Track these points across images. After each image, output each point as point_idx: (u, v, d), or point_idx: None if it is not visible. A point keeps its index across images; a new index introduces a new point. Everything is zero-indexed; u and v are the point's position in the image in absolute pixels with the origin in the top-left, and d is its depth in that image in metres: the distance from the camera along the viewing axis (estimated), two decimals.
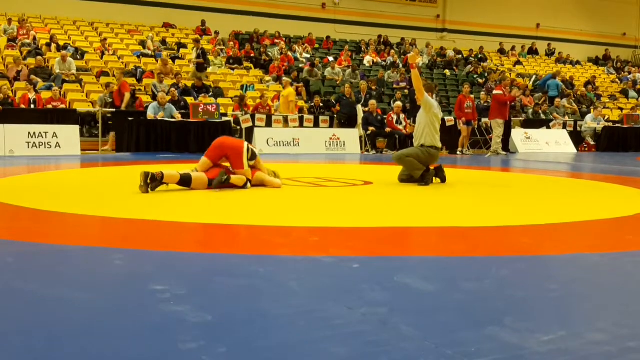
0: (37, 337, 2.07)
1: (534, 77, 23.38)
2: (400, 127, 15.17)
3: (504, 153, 15.03)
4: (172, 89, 14.78)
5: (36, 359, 1.90)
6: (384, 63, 22.20)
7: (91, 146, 13.40)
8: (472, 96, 16.32)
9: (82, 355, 1.94)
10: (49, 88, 14.59)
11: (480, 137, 16.52)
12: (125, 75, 16.79)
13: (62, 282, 2.83)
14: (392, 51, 23.35)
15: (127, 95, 13.66)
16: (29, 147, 11.96)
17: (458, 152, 15.00)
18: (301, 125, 15.22)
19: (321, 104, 16.73)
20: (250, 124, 14.39)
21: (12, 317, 2.30)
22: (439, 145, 7.53)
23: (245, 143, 6.64)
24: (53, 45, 17.64)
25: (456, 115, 15.09)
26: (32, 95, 13.79)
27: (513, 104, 16.32)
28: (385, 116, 15.47)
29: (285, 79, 16.61)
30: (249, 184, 6.46)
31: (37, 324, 2.21)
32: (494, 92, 15.15)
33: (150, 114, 13.10)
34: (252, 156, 6.51)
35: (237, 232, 4.22)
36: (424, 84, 7.52)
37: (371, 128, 15.07)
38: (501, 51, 27.47)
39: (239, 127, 14.44)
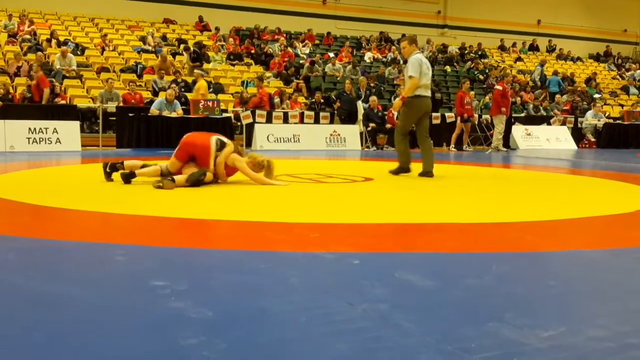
0: (37, 334, 2.07)
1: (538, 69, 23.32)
2: None
3: (505, 149, 15.02)
4: (173, 85, 14.78)
5: (37, 355, 1.90)
6: (384, 59, 22.18)
7: (92, 142, 13.41)
8: (472, 93, 16.29)
9: (83, 351, 1.94)
10: None
11: (480, 133, 16.51)
12: (126, 71, 16.79)
13: (63, 278, 2.83)
14: (393, 47, 23.32)
15: (47, 91, 13.51)
16: (29, 143, 11.97)
17: (452, 148, 14.95)
18: (301, 122, 15.22)
19: (322, 100, 16.72)
20: (251, 120, 14.39)
21: (13, 314, 2.30)
22: (423, 93, 7.71)
23: (213, 138, 6.28)
24: (53, 41, 17.64)
25: (457, 112, 15.08)
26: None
27: (513, 99, 16.34)
28: (385, 112, 15.46)
29: (196, 71, 15.97)
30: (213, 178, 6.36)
31: (37, 321, 2.21)
32: (496, 87, 15.13)
33: (155, 110, 13.08)
34: (221, 146, 6.25)
35: (237, 228, 4.22)
36: (408, 39, 7.86)
37: (372, 124, 15.06)
38: (502, 47, 27.44)
39: (239, 123, 14.44)
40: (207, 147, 6.21)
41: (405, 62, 8.01)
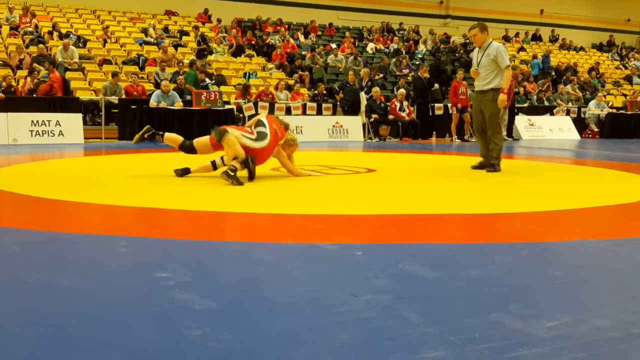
0: (42, 326, 2.07)
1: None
2: (403, 114, 15.13)
3: (509, 139, 15.00)
4: (180, 77, 14.74)
5: (41, 348, 1.90)
6: (387, 50, 22.11)
7: (94, 134, 13.41)
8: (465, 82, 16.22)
9: (87, 343, 1.94)
10: None
11: None
12: (128, 64, 16.76)
13: (67, 271, 2.84)
14: (395, 38, 23.24)
15: None
16: (32, 136, 11.98)
17: (455, 139, 14.92)
18: (304, 113, 15.19)
19: (324, 92, 16.69)
20: (253, 111, 14.37)
21: (18, 306, 2.31)
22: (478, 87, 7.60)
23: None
24: (55, 34, 17.61)
25: (451, 101, 14.99)
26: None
27: (516, 90, 16.31)
28: (388, 103, 15.42)
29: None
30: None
31: (42, 313, 2.21)
32: None
33: (153, 102, 13.11)
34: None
35: (240, 220, 4.22)
36: (480, 27, 7.50)
37: (374, 115, 15.03)
38: (505, 37, 27.32)
39: (241, 115, 14.44)
40: (280, 136, 6.39)
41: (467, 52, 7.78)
